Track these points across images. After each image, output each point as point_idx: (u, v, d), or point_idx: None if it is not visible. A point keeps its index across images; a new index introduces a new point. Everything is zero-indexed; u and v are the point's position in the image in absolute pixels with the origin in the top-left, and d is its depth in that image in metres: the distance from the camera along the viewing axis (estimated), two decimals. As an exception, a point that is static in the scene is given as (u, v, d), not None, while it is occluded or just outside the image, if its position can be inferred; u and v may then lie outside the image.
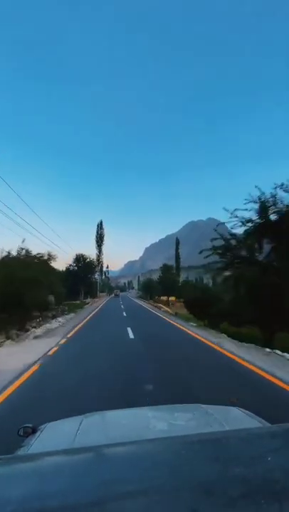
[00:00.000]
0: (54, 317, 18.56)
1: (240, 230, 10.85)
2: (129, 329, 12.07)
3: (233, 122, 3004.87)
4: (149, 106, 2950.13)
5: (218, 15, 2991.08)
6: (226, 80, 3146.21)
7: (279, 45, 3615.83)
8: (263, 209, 9.85)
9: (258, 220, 10.12)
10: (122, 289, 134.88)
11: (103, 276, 59.94)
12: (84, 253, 41.96)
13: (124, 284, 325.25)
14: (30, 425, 1.51)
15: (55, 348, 8.80)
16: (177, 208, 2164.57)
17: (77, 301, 33.51)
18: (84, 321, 16.39)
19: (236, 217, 10.49)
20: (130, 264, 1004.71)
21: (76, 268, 39.83)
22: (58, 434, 1.48)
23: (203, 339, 10.19)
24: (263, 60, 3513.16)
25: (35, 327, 13.97)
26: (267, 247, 10.37)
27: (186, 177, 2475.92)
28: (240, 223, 10.47)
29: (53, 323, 15.40)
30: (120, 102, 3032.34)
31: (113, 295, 74.04)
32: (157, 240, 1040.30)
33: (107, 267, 63.69)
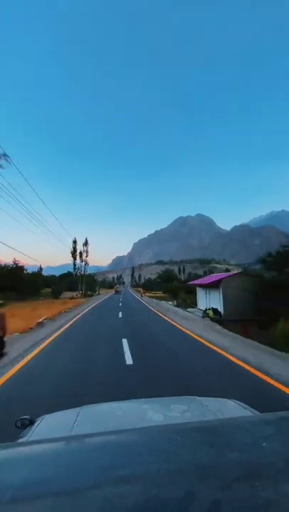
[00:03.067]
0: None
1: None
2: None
3: (225, 122, 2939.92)
4: (142, 99, 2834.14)
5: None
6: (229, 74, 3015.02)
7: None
8: None
9: None
10: (112, 285, 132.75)
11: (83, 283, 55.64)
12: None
13: (113, 278, 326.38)
14: (27, 417, 1.52)
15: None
16: (167, 204, 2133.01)
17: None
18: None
19: None
20: (118, 260, 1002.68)
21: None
22: (55, 426, 1.48)
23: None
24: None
25: None
26: None
27: (175, 173, 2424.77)
28: None
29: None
30: (111, 94, 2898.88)
31: (113, 292, 65.73)
32: (146, 236, 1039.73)
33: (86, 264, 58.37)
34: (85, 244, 57.02)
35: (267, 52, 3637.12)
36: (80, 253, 56.02)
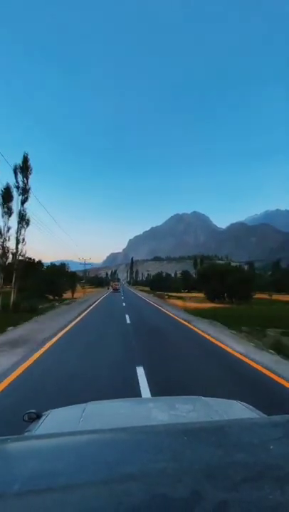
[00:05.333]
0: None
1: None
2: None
3: (220, 121, 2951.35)
4: (139, 98, 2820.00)
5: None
6: (224, 73, 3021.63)
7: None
8: None
9: None
10: (101, 282, 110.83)
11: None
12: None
13: (106, 274, 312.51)
14: (34, 411, 1.50)
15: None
16: (163, 201, 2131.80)
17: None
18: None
19: None
20: (113, 257, 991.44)
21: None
22: (61, 420, 1.48)
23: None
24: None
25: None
26: None
27: (172, 171, 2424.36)
28: None
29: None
30: (108, 92, 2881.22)
31: (110, 289, 52.86)
32: (141, 232, 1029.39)
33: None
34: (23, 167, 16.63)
35: (265, 46, 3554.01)
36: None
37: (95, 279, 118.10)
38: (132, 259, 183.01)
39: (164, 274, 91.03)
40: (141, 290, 71.37)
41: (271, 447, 0.63)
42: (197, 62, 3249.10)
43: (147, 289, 76.37)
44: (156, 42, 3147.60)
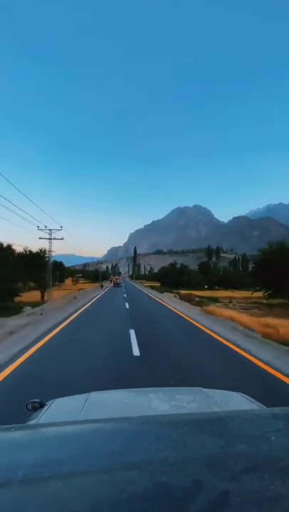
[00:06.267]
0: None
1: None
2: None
3: (222, 112, 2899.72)
4: (138, 89, 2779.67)
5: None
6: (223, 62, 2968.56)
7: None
8: None
9: None
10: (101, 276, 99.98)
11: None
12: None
13: (107, 268, 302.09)
14: (37, 400, 1.54)
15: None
16: (164, 194, 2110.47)
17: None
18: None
19: None
20: (114, 250, 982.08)
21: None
22: (64, 409, 1.53)
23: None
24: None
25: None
26: None
27: (173, 164, 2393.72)
28: None
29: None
30: (107, 84, 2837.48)
31: (103, 288, 44.55)
32: (142, 226, 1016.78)
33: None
34: None
35: (267, 41, 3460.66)
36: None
37: (93, 273, 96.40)
38: (134, 250, 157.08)
39: (178, 264, 69.80)
40: (148, 286, 53.67)
41: (272, 438, 0.64)
42: (200, 48, 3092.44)
43: (155, 284, 61.01)
44: (153, 30, 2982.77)
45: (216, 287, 44.37)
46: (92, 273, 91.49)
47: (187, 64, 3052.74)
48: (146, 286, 55.06)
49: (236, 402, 1.61)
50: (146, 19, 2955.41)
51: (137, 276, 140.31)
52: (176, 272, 55.74)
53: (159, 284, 57.96)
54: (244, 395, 1.68)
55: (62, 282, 49.32)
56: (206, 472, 0.52)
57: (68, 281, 66.76)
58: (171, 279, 53.59)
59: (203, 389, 1.74)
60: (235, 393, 1.73)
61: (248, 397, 1.64)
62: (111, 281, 61.11)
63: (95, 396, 1.63)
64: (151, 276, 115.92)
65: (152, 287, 47.45)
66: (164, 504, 0.45)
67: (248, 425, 0.73)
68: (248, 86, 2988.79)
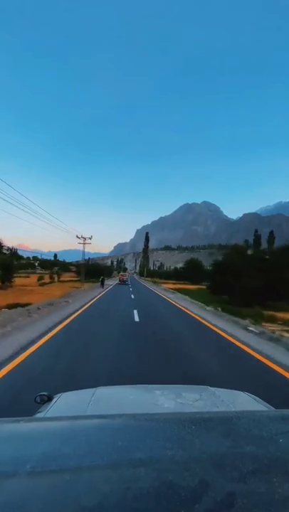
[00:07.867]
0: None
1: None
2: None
3: (228, 107, 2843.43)
4: (144, 84, 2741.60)
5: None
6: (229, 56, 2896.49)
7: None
8: None
9: None
10: (102, 272, 72.24)
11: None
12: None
13: (112, 262, 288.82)
14: (46, 393, 1.54)
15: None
16: (172, 191, 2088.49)
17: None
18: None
19: None
20: (120, 246, 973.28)
21: None
22: (71, 403, 1.53)
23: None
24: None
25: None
26: None
27: (181, 160, 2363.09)
28: None
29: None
30: (115, 79, 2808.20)
31: (103, 288, 30.49)
32: (150, 222, 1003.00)
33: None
34: None
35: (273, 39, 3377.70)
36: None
37: (94, 267, 62.99)
38: (146, 237, 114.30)
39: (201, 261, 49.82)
40: (171, 289, 30.99)
41: (281, 441, 0.62)
42: (217, 37, 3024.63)
43: (180, 285, 40.50)
44: (168, 23, 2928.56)
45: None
46: (91, 267, 61.48)
47: (195, 56, 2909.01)
48: (170, 289, 30.18)
49: (243, 401, 1.61)
50: (148, 14, 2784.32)
51: (148, 272, 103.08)
52: (226, 269, 20.39)
53: (192, 287, 33.70)
54: (251, 394, 1.67)
55: (8, 282, 34.88)
56: (212, 472, 0.51)
57: (33, 278, 43.17)
58: (197, 277, 38.81)
59: (210, 387, 1.75)
60: (242, 393, 1.72)
61: (255, 396, 1.63)
62: (118, 278, 51.02)
63: (102, 391, 1.64)
64: (163, 274, 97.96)
65: (175, 289, 27.48)
66: (169, 503, 0.44)
67: (256, 426, 0.71)
68: (264, 81, 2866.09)
